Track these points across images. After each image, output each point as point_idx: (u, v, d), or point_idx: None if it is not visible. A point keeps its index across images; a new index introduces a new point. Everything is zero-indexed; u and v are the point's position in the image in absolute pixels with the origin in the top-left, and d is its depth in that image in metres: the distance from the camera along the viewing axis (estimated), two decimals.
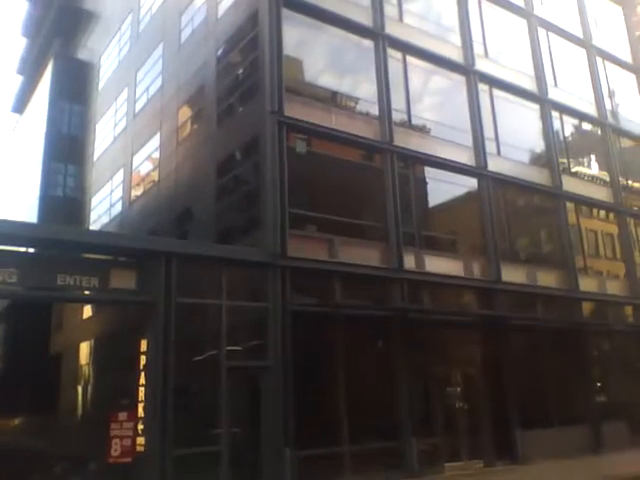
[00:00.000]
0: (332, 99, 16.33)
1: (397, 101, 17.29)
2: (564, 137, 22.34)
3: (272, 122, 14.37)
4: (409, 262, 15.86)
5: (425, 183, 18.15)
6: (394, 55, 17.74)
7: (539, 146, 21.21)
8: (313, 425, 13.03)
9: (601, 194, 22.35)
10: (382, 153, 16.53)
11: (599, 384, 19.86)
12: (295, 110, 14.92)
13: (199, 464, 11.55)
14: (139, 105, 23.26)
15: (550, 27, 23.16)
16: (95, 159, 27.55)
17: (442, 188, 18.19)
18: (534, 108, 21.29)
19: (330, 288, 14.22)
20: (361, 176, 16.76)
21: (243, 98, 16.39)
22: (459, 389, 16.64)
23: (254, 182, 15.12)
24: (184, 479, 11.04)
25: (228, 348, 12.50)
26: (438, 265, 16.46)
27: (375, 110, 16.83)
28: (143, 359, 11.97)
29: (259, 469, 12.32)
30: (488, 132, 19.28)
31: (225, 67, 17.60)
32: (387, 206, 16.02)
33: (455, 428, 15.94)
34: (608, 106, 24.15)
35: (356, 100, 17.11)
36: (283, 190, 13.95)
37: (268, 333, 13.01)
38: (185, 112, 19.74)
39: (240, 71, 17.25)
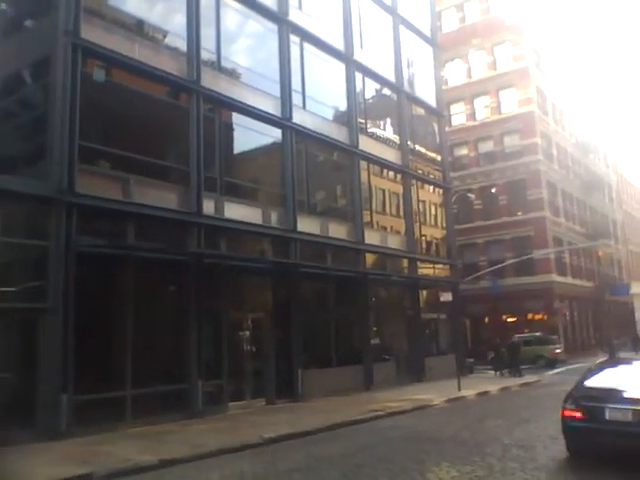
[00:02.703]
0: (137, 28, 15.26)
1: (208, 40, 16.74)
2: (364, 98, 23.65)
3: (65, 43, 13.10)
4: (208, 207, 15.79)
5: (231, 129, 18.01)
6: None
7: (341, 104, 22.20)
8: (96, 370, 12.61)
9: (391, 156, 24.22)
10: (188, 92, 15.98)
11: (375, 328, 22.04)
12: (94, 34, 13.71)
13: None
14: None
15: None
16: None
17: (248, 136, 18.26)
18: (340, 67, 22.11)
19: (122, 229, 13.63)
20: (164, 114, 16.08)
21: (33, 12, 14.67)
22: (249, 333, 17.28)
23: (41, 107, 13.72)
24: None
25: None
26: (237, 212, 16.64)
27: (184, 46, 16.13)
28: None
29: (33, 416, 11.66)
30: (296, 84, 19.65)
31: None
32: (190, 148, 15.65)
33: (242, 370, 16.63)
34: (406, 75, 25.99)
35: (164, 33, 16.21)
36: (74, 119, 12.87)
37: (49, 274, 12.16)
38: None
39: None
